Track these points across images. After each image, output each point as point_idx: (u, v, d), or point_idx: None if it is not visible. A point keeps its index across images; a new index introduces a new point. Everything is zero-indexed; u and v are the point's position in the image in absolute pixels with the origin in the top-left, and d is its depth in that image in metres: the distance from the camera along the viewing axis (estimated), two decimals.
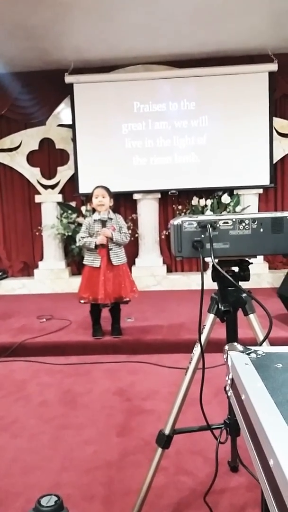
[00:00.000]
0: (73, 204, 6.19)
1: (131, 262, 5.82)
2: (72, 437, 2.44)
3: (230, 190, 5.91)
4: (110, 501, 1.90)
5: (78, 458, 2.24)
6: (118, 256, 3.77)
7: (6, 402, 2.94)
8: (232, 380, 1.00)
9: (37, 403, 2.91)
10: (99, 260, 3.73)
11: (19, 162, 6.21)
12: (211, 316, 1.62)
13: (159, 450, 1.67)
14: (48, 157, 6.25)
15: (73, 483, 2.03)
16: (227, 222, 1.48)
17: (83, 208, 5.99)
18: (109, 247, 3.72)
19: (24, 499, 1.93)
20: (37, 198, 6.18)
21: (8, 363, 3.68)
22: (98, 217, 3.73)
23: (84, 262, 3.90)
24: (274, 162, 5.89)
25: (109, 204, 3.76)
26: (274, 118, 5.84)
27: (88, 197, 3.86)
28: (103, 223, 3.71)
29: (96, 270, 3.74)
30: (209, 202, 5.84)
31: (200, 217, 1.49)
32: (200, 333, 1.56)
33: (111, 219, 3.76)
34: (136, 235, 6.01)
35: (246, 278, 1.59)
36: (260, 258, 5.84)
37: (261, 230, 1.48)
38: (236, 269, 1.61)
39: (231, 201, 5.80)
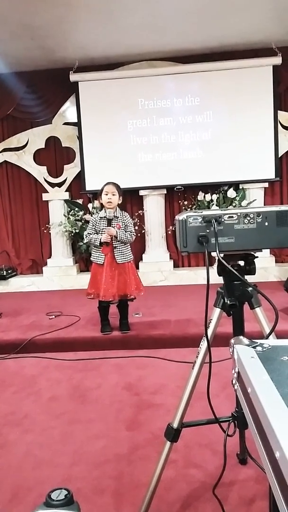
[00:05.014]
0: (80, 201, 6.21)
1: (138, 258, 5.85)
2: (82, 432, 2.47)
3: (235, 185, 5.90)
4: (120, 494, 1.92)
5: (88, 452, 2.26)
6: (123, 254, 3.79)
7: (17, 397, 2.98)
8: (238, 373, 1.00)
9: (47, 398, 2.94)
10: (103, 258, 3.76)
11: (26, 161, 6.24)
12: (217, 311, 1.62)
13: (168, 443, 1.68)
14: (55, 155, 6.28)
15: (84, 477, 2.05)
16: (232, 217, 1.48)
17: (89, 205, 6.02)
18: (114, 245, 3.75)
19: (36, 494, 1.95)
20: (45, 196, 6.23)
21: (18, 359, 3.72)
22: (104, 215, 3.75)
23: (91, 259, 3.93)
24: (280, 155, 5.86)
25: (117, 202, 3.77)
26: (279, 112, 5.81)
27: (97, 193, 3.88)
28: (109, 221, 3.73)
29: (101, 267, 3.77)
30: (215, 197, 5.84)
31: (205, 212, 1.49)
32: (206, 327, 1.57)
33: (116, 217, 3.78)
34: (143, 231, 6.03)
35: (252, 272, 1.59)
36: (267, 251, 5.83)
37: (266, 223, 1.48)
38: (241, 263, 1.61)
39: (236, 196, 5.79)
